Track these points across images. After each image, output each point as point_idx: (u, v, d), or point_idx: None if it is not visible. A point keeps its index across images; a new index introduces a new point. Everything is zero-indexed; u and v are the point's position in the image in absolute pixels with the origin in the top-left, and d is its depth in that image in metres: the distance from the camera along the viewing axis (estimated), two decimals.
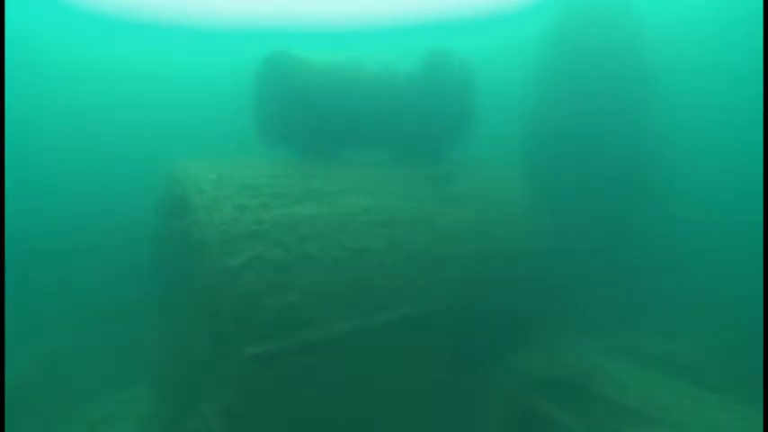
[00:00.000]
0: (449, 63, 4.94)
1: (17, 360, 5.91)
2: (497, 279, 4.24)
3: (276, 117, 4.61)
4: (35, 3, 9.78)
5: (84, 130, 9.62)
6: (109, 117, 9.77)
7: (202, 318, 3.35)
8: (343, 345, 3.27)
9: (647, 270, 5.98)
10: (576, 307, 5.41)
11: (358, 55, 4.81)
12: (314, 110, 4.43)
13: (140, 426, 4.94)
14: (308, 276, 3.31)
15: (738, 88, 7.32)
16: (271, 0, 11.34)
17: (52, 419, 5.08)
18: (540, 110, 6.87)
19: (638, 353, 4.59)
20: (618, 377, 3.80)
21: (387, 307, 3.52)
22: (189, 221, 3.45)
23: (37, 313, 6.96)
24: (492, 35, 11.42)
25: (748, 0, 6.80)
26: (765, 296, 4.71)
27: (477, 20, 12.10)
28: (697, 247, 6.43)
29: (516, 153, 6.97)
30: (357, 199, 3.97)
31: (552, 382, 3.67)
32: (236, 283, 3.04)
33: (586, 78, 6.34)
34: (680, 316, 5.48)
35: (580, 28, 6.50)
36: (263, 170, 3.92)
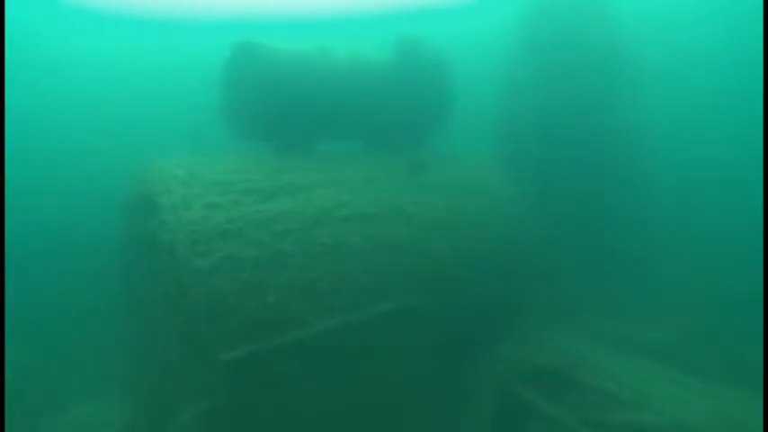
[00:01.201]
0: (422, 51, 4.85)
1: None
2: (479, 270, 4.20)
3: (246, 109, 4.45)
4: None
5: (43, 125, 9.23)
6: (72, 113, 9.39)
7: (174, 322, 3.21)
8: (324, 344, 3.17)
9: (631, 258, 6.02)
10: (561, 295, 5.42)
11: (329, 44, 4.67)
12: (285, 101, 4.29)
13: None
14: (286, 275, 3.20)
15: (719, 76, 7.42)
16: None
17: (30, 425, 4.91)
18: (515, 97, 6.83)
19: (623, 340, 4.60)
20: (604, 365, 3.81)
21: (368, 303, 3.43)
22: (157, 221, 3.29)
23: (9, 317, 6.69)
24: (466, 23, 11.36)
25: None
26: (765, 291, 4.75)
27: (451, 7, 12.02)
28: (681, 235, 6.52)
29: (492, 141, 6.94)
30: (333, 192, 3.86)
31: (538, 372, 3.66)
32: (208, 285, 2.91)
33: (560, 66, 6.32)
34: (665, 303, 5.54)
35: (554, 15, 6.47)
36: (233, 165, 3.77)
